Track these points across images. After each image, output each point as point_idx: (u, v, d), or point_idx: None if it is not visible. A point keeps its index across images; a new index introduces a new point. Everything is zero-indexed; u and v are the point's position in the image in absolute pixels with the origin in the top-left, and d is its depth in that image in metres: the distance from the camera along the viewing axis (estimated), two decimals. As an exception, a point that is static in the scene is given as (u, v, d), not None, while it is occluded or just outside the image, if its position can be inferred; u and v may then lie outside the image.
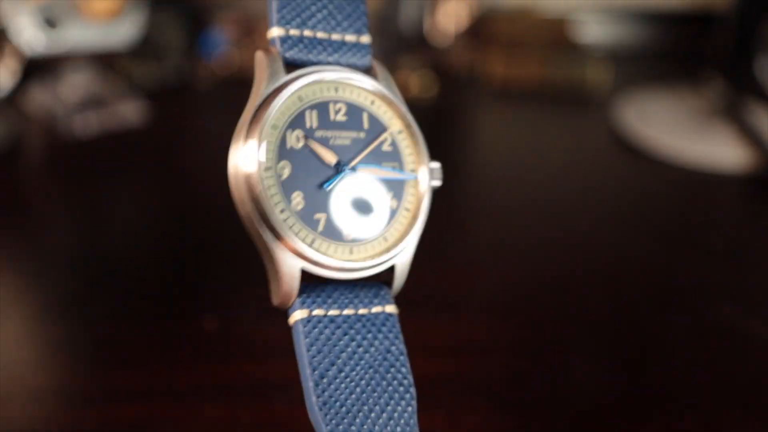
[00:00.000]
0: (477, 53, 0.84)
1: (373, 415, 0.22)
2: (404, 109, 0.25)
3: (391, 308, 0.24)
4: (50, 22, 0.57)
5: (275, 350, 0.36)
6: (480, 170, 0.58)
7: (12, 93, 0.68)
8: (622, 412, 0.32)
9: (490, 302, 0.41)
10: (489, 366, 0.35)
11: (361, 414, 0.22)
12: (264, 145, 0.22)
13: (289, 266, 0.22)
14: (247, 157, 0.22)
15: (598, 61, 0.75)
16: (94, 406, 0.32)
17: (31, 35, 0.59)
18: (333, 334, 0.23)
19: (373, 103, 0.25)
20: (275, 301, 0.24)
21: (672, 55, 0.89)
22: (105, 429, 0.31)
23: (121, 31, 0.64)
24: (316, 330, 0.23)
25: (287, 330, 0.38)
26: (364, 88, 0.25)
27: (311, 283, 0.23)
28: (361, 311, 0.23)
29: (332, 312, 0.23)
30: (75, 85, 0.66)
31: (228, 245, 0.47)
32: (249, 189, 0.22)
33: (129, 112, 0.65)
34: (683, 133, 0.64)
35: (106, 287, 0.42)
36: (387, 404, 0.22)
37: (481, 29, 0.86)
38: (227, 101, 0.75)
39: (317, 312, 0.23)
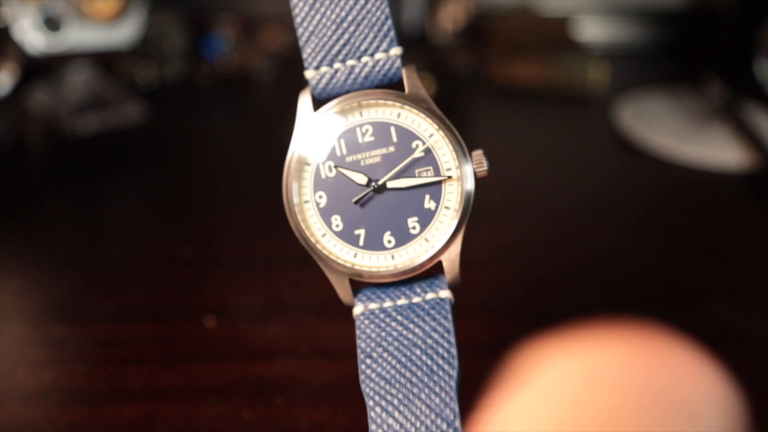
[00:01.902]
0: (477, 53, 0.84)
1: (410, 385, 0.24)
2: (435, 110, 0.26)
3: (444, 293, 0.26)
4: (53, 25, 0.57)
5: (275, 350, 0.36)
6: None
7: (13, 93, 0.68)
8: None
9: (490, 302, 0.41)
10: (489, 365, 0.35)
11: (398, 384, 0.24)
12: (295, 185, 0.26)
13: (338, 280, 0.26)
14: (287, 195, 0.26)
15: (598, 61, 0.75)
16: (95, 406, 0.32)
17: (33, 35, 0.59)
18: (383, 322, 0.25)
19: (399, 115, 0.26)
20: (342, 301, 0.27)
21: (671, 55, 0.89)
22: (105, 429, 0.31)
23: (122, 31, 0.64)
24: (368, 321, 0.25)
25: (287, 330, 0.38)
26: (388, 104, 0.26)
27: (369, 284, 0.26)
28: (415, 300, 0.26)
29: (386, 305, 0.26)
30: (76, 85, 0.66)
31: (228, 245, 0.47)
32: (293, 221, 0.26)
33: (130, 112, 0.66)
34: (682, 132, 0.64)
35: (107, 287, 0.42)
36: (426, 376, 0.24)
37: (480, 29, 0.86)
38: (228, 100, 0.75)
39: (372, 306, 0.26)
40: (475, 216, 0.55)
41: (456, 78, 0.80)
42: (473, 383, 0.34)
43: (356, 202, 0.26)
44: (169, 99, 0.73)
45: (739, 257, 0.46)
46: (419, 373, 0.24)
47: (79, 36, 0.62)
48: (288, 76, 0.81)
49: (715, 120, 0.66)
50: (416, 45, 0.85)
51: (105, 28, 0.63)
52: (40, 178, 0.57)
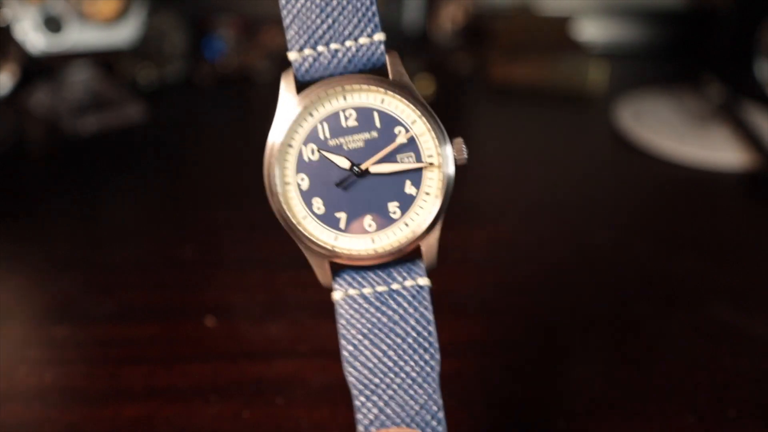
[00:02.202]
0: (477, 53, 0.84)
1: (393, 375, 0.25)
2: (417, 98, 0.26)
3: (423, 281, 0.26)
4: (54, 25, 0.57)
5: (275, 350, 0.36)
6: (479, 169, 0.58)
7: (14, 92, 0.68)
8: (621, 411, 0.32)
9: (490, 302, 0.41)
10: (489, 365, 0.35)
11: (381, 375, 0.25)
12: (277, 167, 0.26)
13: (317, 262, 0.26)
14: (268, 177, 0.26)
15: (598, 61, 0.75)
16: (95, 405, 0.32)
17: (33, 35, 0.59)
18: (364, 309, 0.26)
19: (383, 101, 0.26)
20: (321, 283, 0.27)
21: (671, 55, 0.89)
22: (105, 429, 0.31)
23: (123, 31, 0.64)
24: (349, 307, 0.26)
25: (287, 330, 0.38)
26: (371, 89, 0.26)
27: (349, 267, 0.26)
28: (394, 286, 0.26)
29: (366, 290, 0.26)
30: (77, 85, 0.66)
31: (228, 245, 0.47)
32: (275, 203, 0.26)
33: (130, 112, 0.66)
34: (682, 132, 0.64)
35: (107, 287, 0.42)
36: (410, 368, 0.25)
37: (480, 29, 0.86)
38: (228, 100, 0.75)
39: (352, 292, 0.26)
40: (475, 215, 0.55)
41: (456, 78, 0.80)
42: (473, 382, 0.34)
43: (338, 185, 0.26)
44: (169, 99, 0.73)
45: (739, 257, 0.46)
46: (401, 363, 0.25)
47: (80, 36, 0.62)
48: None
49: (714, 120, 0.66)
50: (416, 45, 0.85)
51: (105, 28, 0.63)
52: (40, 178, 0.57)
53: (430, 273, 0.26)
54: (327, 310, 0.39)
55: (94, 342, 0.37)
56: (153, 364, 0.35)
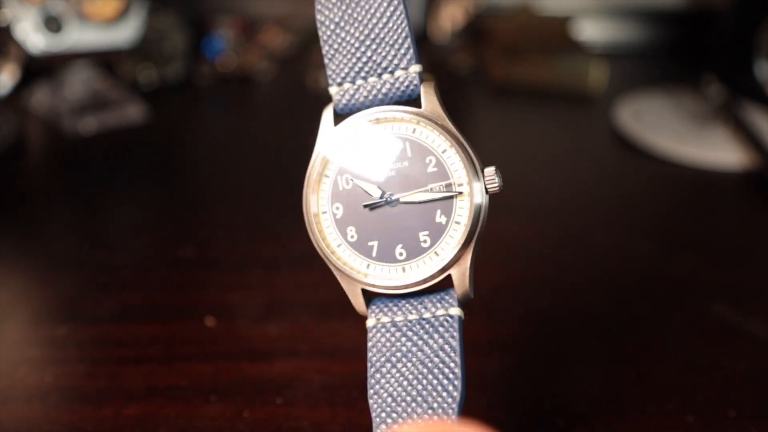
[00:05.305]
0: (477, 53, 0.84)
1: (414, 405, 0.24)
2: (449, 127, 0.26)
3: (454, 311, 0.26)
4: (54, 25, 0.57)
5: (275, 350, 0.36)
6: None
7: (14, 92, 0.68)
8: (620, 411, 0.32)
9: (490, 302, 0.41)
10: (489, 365, 0.35)
11: (404, 403, 0.25)
12: (314, 197, 0.27)
13: (351, 289, 0.27)
14: (306, 205, 0.27)
15: (598, 61, 0.75)
16: (95, 405, 0.32)
17: (34, 35, 0.59)
18: (393, 336, 0.26)
19: (414, 131, 0.26)
20: (356, 310, 0.28)
21: (671, 55, 0.89)
22: (105, 428, 0.31)
23: (123, 31, 0.64)
24: (380, 334, 0.26)
25: (287, 330, 0.38)
26: (404, 119, 0.26)
27: (382, 295, 0.27)
28: (426, 315, 0.26)
29: (397, 318, 0.26)
30: (77, 84, 0.66)
31: (228, 245, 0.47)
32: (311, 231, 0.27)
33: (131, 111, 0.66)
34: (682, 132, 0.64)
35: (107, 287, 0.42)
36: (430, 396, 0.24)
37: (480, 29, 0.86)
38: (228, 100, 0.75)
39: (384, 319, 0.26)
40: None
41: (456, 78, 0.80)
42: (473, 382, 0.34)
43: (366, 207, 0.26)
44: (170, 99, 0.73)
45: (739, 257, 0.46)
46: (424, 393, 0.24)
47: (80, 36, 0.62)
48: (287, 76, 0.81)
49: (714, 120, 0.66)
50: (416, 45, 0.85)
51: (106, 29, 0.63)
52: (40, 178, 0.57)
53: (467, 302, 0.26)
54: (327, 310, 0.40)
55: (94, 342, 0.37)
56: (153, 364, 0.35)
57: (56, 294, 0.41)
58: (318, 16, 0.28)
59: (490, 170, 0.26)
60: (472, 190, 0.25)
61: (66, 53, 0.62)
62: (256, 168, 0.59)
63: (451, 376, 0.24)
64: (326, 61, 0.28)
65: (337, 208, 0.27)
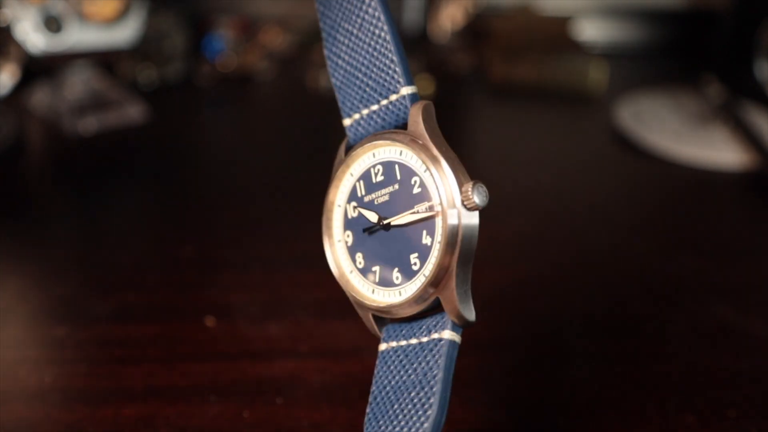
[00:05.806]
0: (477, 53, 0.84)
1: (400, 430, 0.24)
2: (430, 146, 0.25)
3: (446, 334, 0.25)
4: (54, 25, 0.57)
5: (275, 350, 0.36)
6: (478, 169, 0.58)
7: (14, 92, 0.68)
8: (620, 411, 0.32)
9: (490, 302, 0.41)
10: (488, 364, 0.35)
11: (392, 428, 0.24)
12: (328, 227, 0.28)
13: (363, 314, 0.28)
14: (325, 235, 0.29)
15: (598, 61, 0.75)
16: (95, 405, 0.32)
17: (34, 35, 0.59)
18: (394, 362, 0.26)
19: (401, 153, 0.26)
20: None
21: (671, 55, 0.89)
22: (105, 429, 0.31)
23: (123, 31, 0.64)
24: (386, 360, 0.26)
25: (287, 330, 0.38)
26: (392, 142, 0.26)
27: (391, 319, 0.27)
28: (423, 339, 0.25)
29: (402, 343, 0.26)
30: (77, 84, 0.66)
31: (228, 245, 0.47)
32: (329, 257, 0.28)
33: (131, 111, 0.66)
34: (682, 132, 0.64)
35: (107, 287, 0.42)
36: (405, 427, 0.24)
37: (480, 29, 0.86)
38: (228, 100, 0.75)
39: (392, 344, 0.26)
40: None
41: (456, 78, 0.80)
42: (473, 381, 0.34)
43: (365, 231, 0.27)
44: (170, 99, 0.73)
45: (739, 257, 0.46)
46: (402, 423, 0.24)
47: (80, 36, 0.62)
48: (287, 76, 0.81)
49: (714, 120, 0.66)
50: (416, 45, 0.85)
51: (105, 28, 0.63)
52: (40, 178, 0.57)
53: (465, 325, 0.25)
54: (327, 310, 0.40)
55: (94, 342, 0.37)
56: (153, 364, 0.35)
57: (56, 294, 0.41)
58: (324, 51, 0.29)
59: (466, 187, 0.24)
60: (444, 209, 0.24)
61: (66, 53, 0.62)
62: (256, 168, 0.59)
63: (425, 405, 0.23)
64: (336, 94, 0.29)
65: (348, 236, 0.28)
